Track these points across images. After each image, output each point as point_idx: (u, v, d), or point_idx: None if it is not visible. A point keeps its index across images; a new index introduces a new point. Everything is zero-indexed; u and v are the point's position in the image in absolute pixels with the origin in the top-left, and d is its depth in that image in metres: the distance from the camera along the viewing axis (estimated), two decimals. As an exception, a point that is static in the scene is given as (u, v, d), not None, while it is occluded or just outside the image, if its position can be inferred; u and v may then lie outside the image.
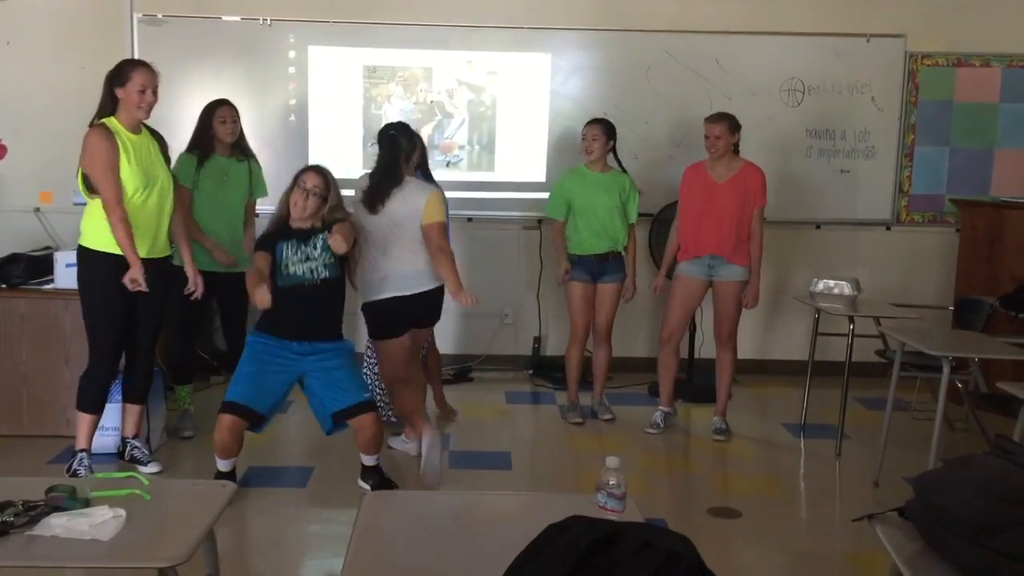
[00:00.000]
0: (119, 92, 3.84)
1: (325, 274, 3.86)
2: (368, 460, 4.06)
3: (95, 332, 3.96)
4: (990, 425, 4.47)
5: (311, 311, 3.85)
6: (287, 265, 3.85)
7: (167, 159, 4.09)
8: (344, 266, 3.96)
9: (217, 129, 4.60)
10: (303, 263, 3.85)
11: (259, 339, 3.91)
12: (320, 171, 3.98)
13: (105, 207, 3.78)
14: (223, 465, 3.91)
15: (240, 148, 4.73)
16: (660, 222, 5.73)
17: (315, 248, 3.86)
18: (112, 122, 3.85)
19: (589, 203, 4.97)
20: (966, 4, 6.01)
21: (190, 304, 4.53)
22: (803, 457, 4.90)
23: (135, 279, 3.82)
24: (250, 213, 4.90)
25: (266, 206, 5.00)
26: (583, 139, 5.02)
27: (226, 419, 3.79)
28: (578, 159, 5.13)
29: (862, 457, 4.67)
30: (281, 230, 3.94)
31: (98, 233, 3.84)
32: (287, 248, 3.86)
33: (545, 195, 5.32)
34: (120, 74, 3.86)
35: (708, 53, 5.95)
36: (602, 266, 5.04)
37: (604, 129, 4.99)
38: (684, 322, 5.07)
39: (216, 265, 4.57)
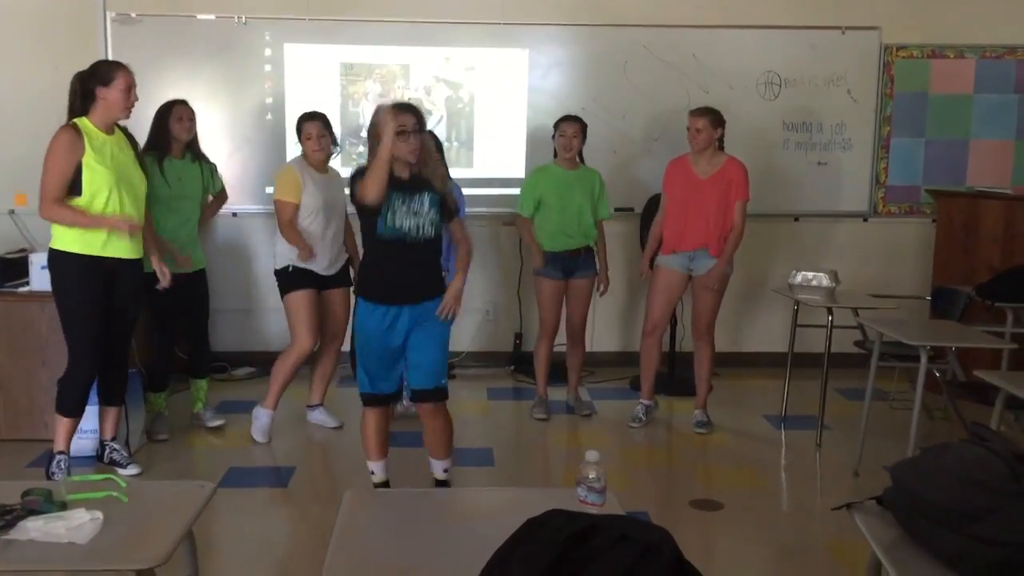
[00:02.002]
0: (101, 92, 3.83)
1: (430, 232, 3.53)
2: (436, 468, 3.78)
3: (72, 334, 3.92)
4: (968, 413, 4.50)
5: (411, 268, 3.55)
6: (394, 214, 3.47)
7: (140, 159, 4.07)
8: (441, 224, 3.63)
9: (173, 127, 4.57)
10: (412, 217, 3.48)
11: (365, 312, 3.58)
12: (409, 108, 3.52)
13: (41, 203, 3.76)
14: (378, 472, 3.75)
15: (192, 150, 4.71)
16: (648, 217, 5.70)
17: (422, 204, 3.50)
18: (84, 123, 3.82)
19: (560, 200, 4.97)
20: (940, -4, 6.06)
21: (161, 310, 4.53)
22: (784, 448, 4.92)
23: (121, 226, 3.82)
24: (213, 208, 4.95)
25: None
26: (561, 136, 4.99)
27: (370, 415, 3.67)
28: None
29: (842, 447, 4.70)
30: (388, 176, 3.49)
31: (68, 234, 3.82)
32: (396, 197, 3.47)
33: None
34: (103, 74, 3.85)
35: (685, 47, 5.97)
36: (574, 261, 5.04)
37: (582, 127, 5.00)
38: (667, 313, 5.09)
39: (174, 265, 4.56)
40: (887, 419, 4.87)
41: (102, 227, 3.81)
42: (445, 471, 3.76)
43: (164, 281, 4.18)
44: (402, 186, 3.49)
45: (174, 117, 4.58)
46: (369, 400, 3.67)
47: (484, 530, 1.83)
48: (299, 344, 4.68)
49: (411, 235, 3.49)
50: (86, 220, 3.79)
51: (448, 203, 3.60)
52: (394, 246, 3.50)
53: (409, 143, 3.43)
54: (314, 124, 4.66)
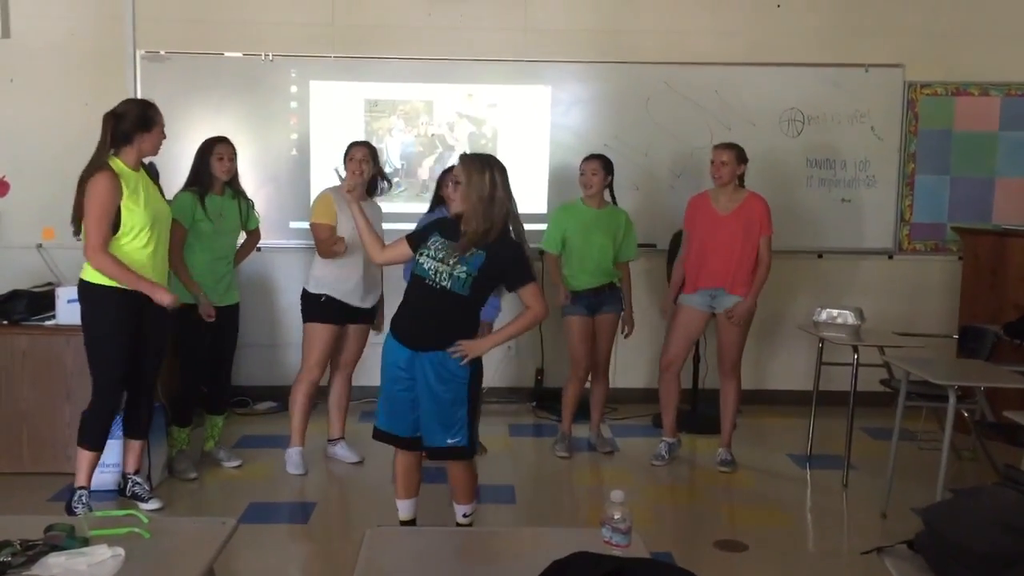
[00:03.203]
0: (142, 136, 3.89)
1: (446, 284, 3.33)
2: (457, 512, 3.63)
3: (99, 367, 3.94)
4: (998, 454, 4.43)
5: (423, 312, 3.41)
6: (423, 253, 3.41)
7: (160, 190, 4.13)
8: (482, 287, 3.40)
9: (214, 166, 4.60)
10: (436, 261, 3.36)
11: (388, 344, 3.50)
12: (462, 160, 3.49)
13: (90, 250, 3.78)
14: (402, 510, 3.67)
15: (232, 186, 4.74)
16: (672, 253, 5.67)
17: (460, 258, 3.34)
18: (117, 164, 3.87)
19: (585, 240, 4.97)
20: (964, 34, 6.05)
21: (191, 344, 4.56)
22: (809, 488, 4.86)
23: (165, 303, 3.88)
24: (246, 249, 4.94)
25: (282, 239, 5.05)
26: (581, 174, 5.02)
27: (399, 455, 3.61)
28: (578, 191, 5.12)
29: (869, 488, 4.63)
30: (451, 224, 3.49)
31: None
32: (437, 240, 3.41)
33: (546, 226, 5.32)
34: (144, 120, 3.90)
35: (707, 84, 5.98)
36: (599, 298, 5.03)
37: (603, 164, 5.00)
38: (684, 351, 5.06)
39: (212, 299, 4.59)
40: (915, 459, 4.79)
41: (140, 288, 3.84)
42: (465, 516, 3.64)
43: (209, 310, 4.34)
44: (449, 229, 3.43)
45: (215, 156, 4.60)
46: (376, 435, 3.56)
47: (508, 571, 1.81)
48: (307, 373, 4.71)
49: (431, 277, 3.36)
50: (128, 278, 3.82)
51: (507, 276, 3.43)
52: (416, 284, 3.42)
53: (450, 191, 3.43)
54: (359, 148, 4.71)
